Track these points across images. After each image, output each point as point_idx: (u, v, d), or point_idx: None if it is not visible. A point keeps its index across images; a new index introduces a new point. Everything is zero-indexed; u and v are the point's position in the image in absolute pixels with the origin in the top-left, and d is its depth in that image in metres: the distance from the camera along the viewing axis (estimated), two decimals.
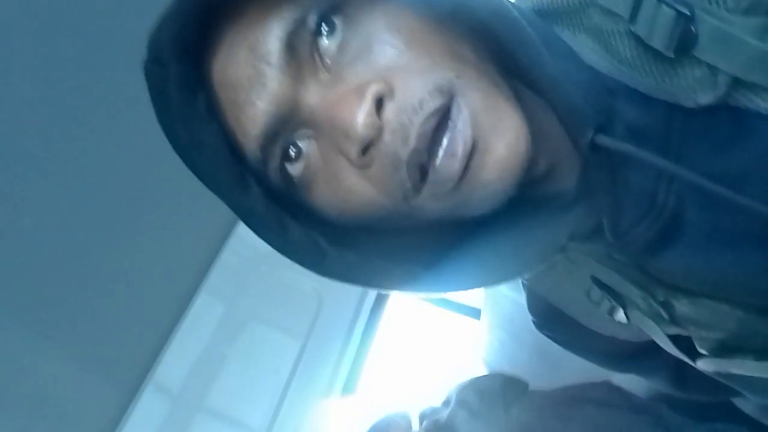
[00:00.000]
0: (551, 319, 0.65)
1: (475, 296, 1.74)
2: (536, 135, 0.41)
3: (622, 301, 0.55)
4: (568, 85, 0.41)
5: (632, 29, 0.42)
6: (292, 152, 0.43)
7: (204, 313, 1.34)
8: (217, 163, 0.43)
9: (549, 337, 0.67)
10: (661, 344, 0.56)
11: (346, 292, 1.62)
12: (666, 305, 0.50)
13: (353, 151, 0.40)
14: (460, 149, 0.39)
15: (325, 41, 0.42)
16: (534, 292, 0.65)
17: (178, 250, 1.25)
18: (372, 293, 1.70)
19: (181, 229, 1.24)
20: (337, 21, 0.41)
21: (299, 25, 0.41)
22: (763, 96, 0.40)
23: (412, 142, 0.39)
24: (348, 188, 0.43)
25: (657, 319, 0.52)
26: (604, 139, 0.42)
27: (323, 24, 0.41)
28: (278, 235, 0.45)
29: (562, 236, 0.46)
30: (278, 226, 0.45)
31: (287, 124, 0.43)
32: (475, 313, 1.71)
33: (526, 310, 0.68)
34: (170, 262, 1.24)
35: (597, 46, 0.45)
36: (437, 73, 0.40)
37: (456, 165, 0.40)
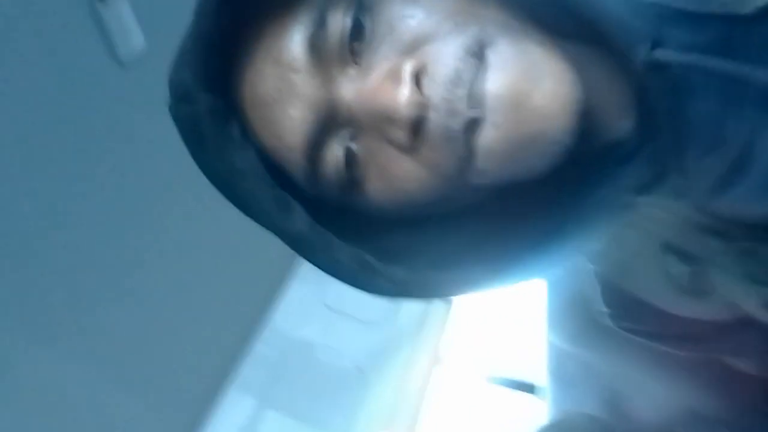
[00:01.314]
0: (629, 308, 0.59)
1: (528, 370, 1.67)
2: (584, 82, 0.40)
3: (703, 268, 0.51)
4: (614, 6, 0.40)
5: None
6: (339, 155, 0.42)
7: (234, 409, 1.28)
8: (257, 188, 0.42)
9: (629, 330, 0.61)
10: (753, 310, 0.51)
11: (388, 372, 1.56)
12: (751, 253, 0.46)
13: (403, 135, 0.39)
14: (493, 101, 0.38)
15: (347, 35, 0.41)
16: (608, 282, 0.60)
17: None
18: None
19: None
20: (355, 12, 0.41)
21: (318, 25, 0.41)
22: None
23: (463, 112, 0.38)
24: (401, 176, 0.42)
25: (746, 276, 0.48)
26: (663, 54, 0.40)
27: (343, 19, 0.41)
28: (326, 257, 0.43)
29: (628, 190, 0.44)
30: (325, 246, 0.43)
31: (328, 127, 0.42)
32: (529, 388, 1.62)
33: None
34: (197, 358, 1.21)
35: None
36: (463, 33, 0.40)
37: (492, 118, 0.38)
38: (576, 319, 0.64)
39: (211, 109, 0.41)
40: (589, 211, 0.43)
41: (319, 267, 0.44)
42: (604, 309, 0.61)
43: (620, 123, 0.43)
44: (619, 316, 0.61)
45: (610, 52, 0.41)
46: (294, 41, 0.41)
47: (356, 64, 0.41)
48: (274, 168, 0.43)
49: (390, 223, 0.47)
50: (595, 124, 0.42)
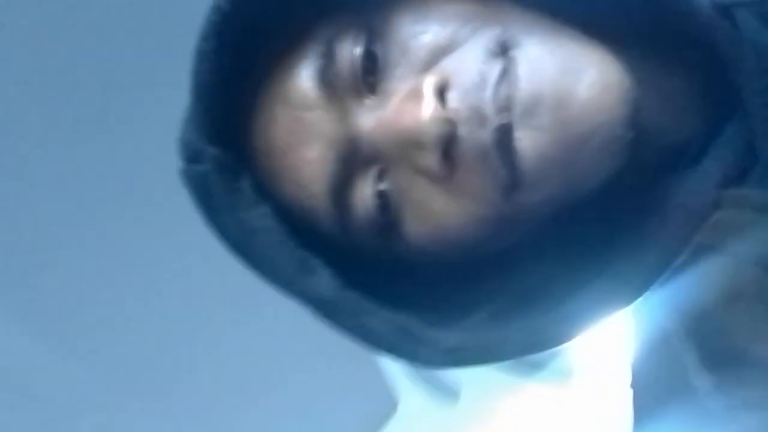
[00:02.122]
0: (739, 372, 0.44)
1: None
2: (633, 71, 0.35)
3: None
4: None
5: None
6: (369, 196, 0.38)
7: None
8: (274, 248, 0.38)
9: (743, 406, 0.45)
10: None
11: None
12: None
13: (433, 160, 0.35)
14: (524, 102, 0.34)
15: (359, 66, 0.37)
16: (704, 340, 0.45)
17: None
18: None
19: None
20: (366, 39, 0.38)
21: (327, 58, 0.37)
22: None
23: (493, 119, 0.34)
24: (440, 211, 0.37)
25: None
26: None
27: (352, 49, 0.37)
28: (358, 324, 0.38)
29: (710, 188, 0.36)
30: (356, 312, 0.38)
31: (352, 166, 0.38)
32: None
33: None
34: None
35: None
36: (483, 36, 0.36)
37: (527, 121, 0.34)
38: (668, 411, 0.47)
39: (218, 165, 0.37)
40: (668, 221, 0.37)
41: (351, 336, 0.38)
42: (706, 378, 0.44)
43: (684, 117, 0.38)
44: (728, 385, 0.44)
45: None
46: (302, 78, 0.37)
47: (373, 93, 0.37)
48: (293, 224, 0.39)
49: (434, 273, 0.41)
50: (654, 118, 0.37)
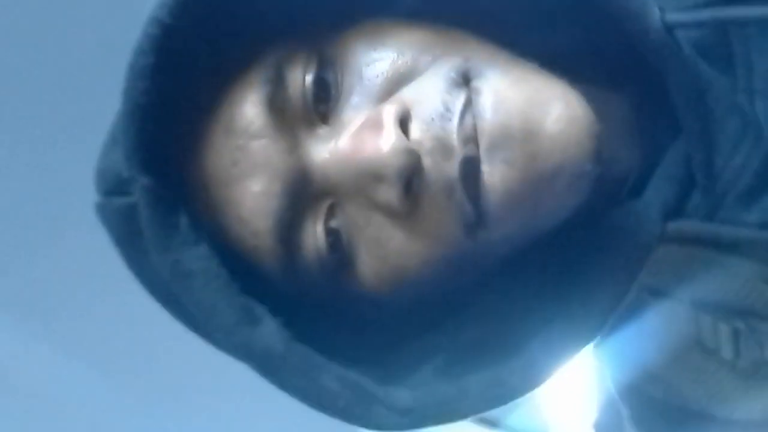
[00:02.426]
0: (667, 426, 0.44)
1: None
2: (591, 103, 0.34)
3: (748, 321, 0.39)
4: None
5: None
6: (319, 234, 0.35)
7: None
8: (212, 294, 0.34)
9: None
10: None
11: None
12: None
13: (393, 194, 0.32)
14: (490, 134, 0.32)
15: (310, 94, 0.35)
16: (636, 395, 0.46)
17: None
18: None
19: None
20: (318, 65, 0.35)
21: (276, 84, 0.34)
22: None
23: (458, 150, 0.32)
24: (397, 252, 0.34)
25: None
26: (673, 16, 0.34)
27: (303, 76, 0.35)
28: (307, 382, 0.34)
29: (653, 219, 0.35)
30: (305, 368, 0.34)
31: (302, 201, 0.34)
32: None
33: None
34: None
35: None
36: (444, 65, 0.34)
37: (492, 155, 0.32)
38: None
39: (151, 197, 0.33)
40: (616, 256, 0.36)
41: (299, 397, 0.34)
42: None
43: (631, 146, 0.38)
44: None
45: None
46: (248, 104, 0.34)
47: (325, 123, 0.35)
48: (235, 266, 0.35)
49: (388, 320, 0.38)
50: (611, 149, 0.36)
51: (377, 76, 0.34)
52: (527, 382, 0.34)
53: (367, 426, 0.34)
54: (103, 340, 1.16)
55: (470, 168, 0.32)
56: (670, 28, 0.34)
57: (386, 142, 0.31)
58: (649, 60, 0.34)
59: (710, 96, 0.35)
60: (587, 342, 0.36)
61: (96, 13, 0.93)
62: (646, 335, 0.41)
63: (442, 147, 0.32)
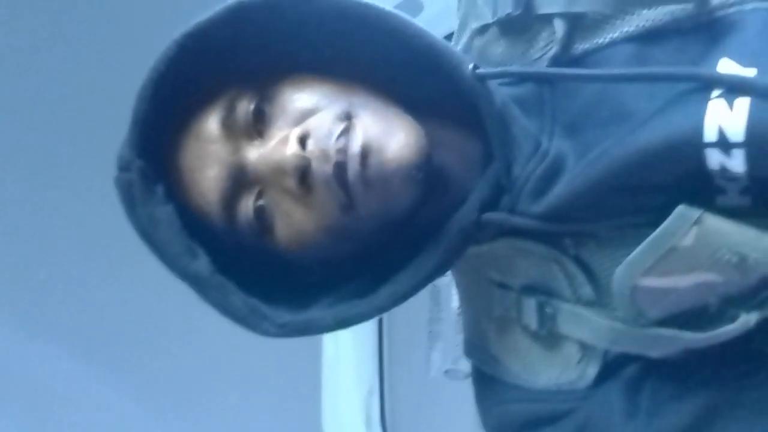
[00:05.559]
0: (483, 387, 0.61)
1: None
2: (432, 135, 0.51)
3: (540, 299, 0.53)
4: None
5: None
6: (250, 207, 0.53)
7: None
8: (169, 235, 0.52)
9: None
10: (598, 339, 0.51)
11: None
12: (578, 260, 0.51)
13: (292, 182, 0.50)
14: (354, 150, 0.49)
15: (251, 118, 0.53)
16: (475, 369, 0.62)
17: None
18: None
19: None
20: (258, 101, 0.53)
21: (229, 110, 0.53)
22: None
23: (332, 157, 0.49)
24: (298, 221, 0.52)
25: (582, 297, 0.51)
26: (483, 70, 0.50)
27: (248, 106, 0.53)
28: (222, 299, 0.52)
29: (473, 212, 0.52)
30: (222, 291, 0.52)
31: (240, 185, 0.53)
32: None
33: None
34: None
35: None
36: (336, 107, 0.52)
37: (354, 162, 0.49)
38: None
39: (141, 173, 0.52)
40: (449, 233, 0.52)
41: (214, 307, 0.53)
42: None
43: (463, 162, 0.54)
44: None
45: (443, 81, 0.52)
46: (211, 121, 0.53)
47: (260, 137, 0.53)
48: (190, 222, 0.53)
49: (289, 268, 0.56)
50: (443, 163, 0.53)
51: (294, 110, 0.53)
52: (365, 315, 0.53)
53: (253, 331, 0.53)
54: (103, 337, 1.24)
55: (339, 169, 0.49)
56: (481, 79, 0.51)
57: (289, 150, 0.50)
58: (469, 101, 0.52)
59: (515, 127, 0.51)
60: (419, 289, 0.54)
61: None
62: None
63: (324, 155, 0.49)
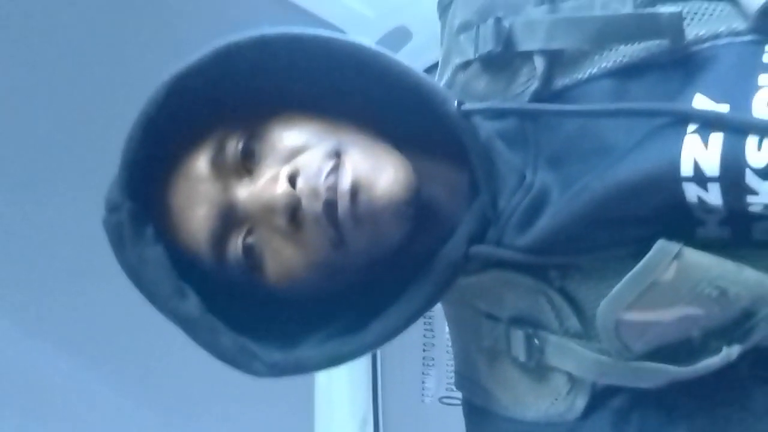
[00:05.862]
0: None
1: None
2: (420, 170, 0.52)
3: (528, 331, 0.53)
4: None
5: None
6: (239, 245, 0.53)
7: None
8: (159, 276, 0.52)
9: None
10: (586, 371, 0.51)
11: None
12: (564, 292, 0.51)
13: (282, 221, 0.50)
14: (344, 187, 0.49)
15: (239, 157, 0.53)
16: (465, 401, 0.62)
17: None
18: None
19: None
20: (246, 140, 0.53)
21: (218, 151, 0.53)
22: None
23: (322, 195, 0.50)
24: (288, 257, 0.52)
25: (567, 328, 0.51)
26: (469, 106, 0.52)
27: (237, 145, 0.53)
28: (211, 340, 0.52)
29: (461, 245, 0.53)
30: (212, 331, 0.52)
31: (229, 223, 0.53)
32: None
33: None
34: None
35: None
36: (325, 145, 0.52)
37: (344, 200, 0.49)
38: None
39: (131, 215, 0.52)
40: (438, 267, 0.53)
41: (204, 348, 0.53)
42: None
43: (451, 196, 0.55)
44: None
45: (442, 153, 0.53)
46: (200, 161, 0.53)
47: (249, 175, 0.53)
48: (180, 262, 0.53)
49: (280, 307, 0.56)
50: (432, 197, 0.53)
51: (283, 149, 0.53)
52: (354, 354, 0.53)
53: (244, 371, 0.53)
54: (103, 338, 1.23)
55: (329, 206, 0.50)
56: (467, 115, 0.52)
57: (279, 189, 0.50)
58: (455, 136, 0.53)
59: (499, 161, 0.52)
60: (410, 323, 0.54)
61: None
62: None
63: (314, 193, 0.50)
